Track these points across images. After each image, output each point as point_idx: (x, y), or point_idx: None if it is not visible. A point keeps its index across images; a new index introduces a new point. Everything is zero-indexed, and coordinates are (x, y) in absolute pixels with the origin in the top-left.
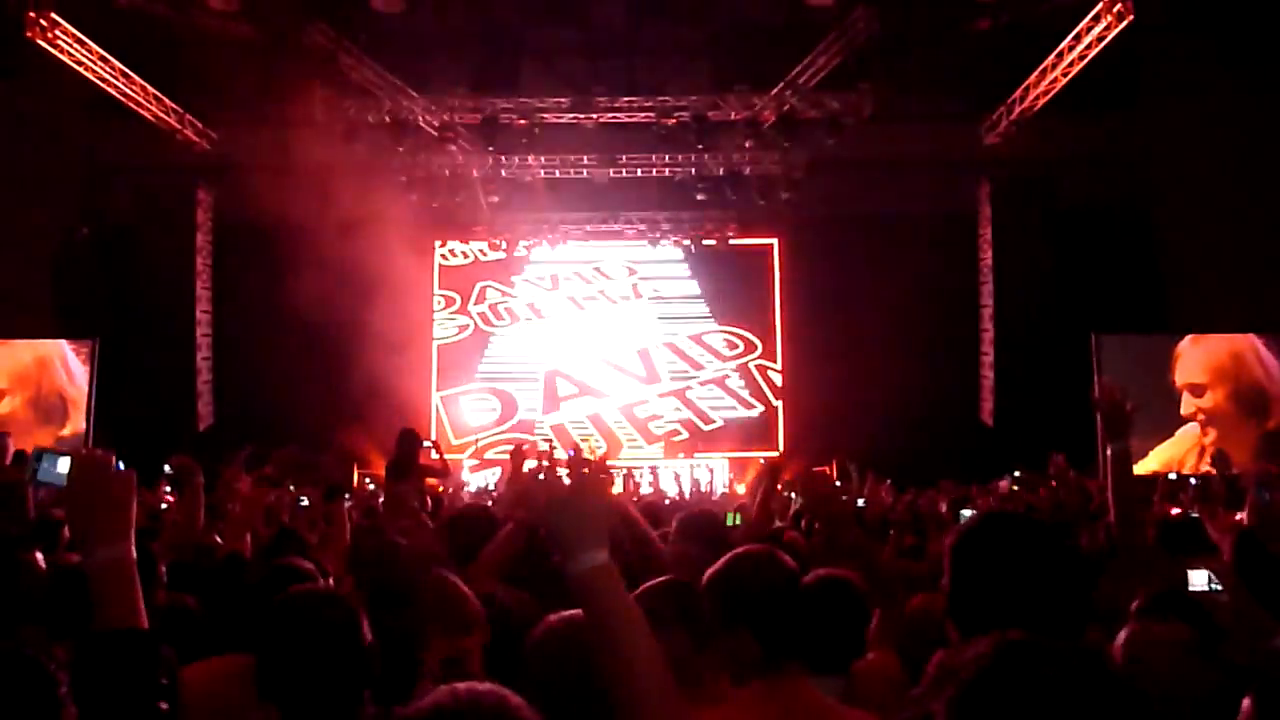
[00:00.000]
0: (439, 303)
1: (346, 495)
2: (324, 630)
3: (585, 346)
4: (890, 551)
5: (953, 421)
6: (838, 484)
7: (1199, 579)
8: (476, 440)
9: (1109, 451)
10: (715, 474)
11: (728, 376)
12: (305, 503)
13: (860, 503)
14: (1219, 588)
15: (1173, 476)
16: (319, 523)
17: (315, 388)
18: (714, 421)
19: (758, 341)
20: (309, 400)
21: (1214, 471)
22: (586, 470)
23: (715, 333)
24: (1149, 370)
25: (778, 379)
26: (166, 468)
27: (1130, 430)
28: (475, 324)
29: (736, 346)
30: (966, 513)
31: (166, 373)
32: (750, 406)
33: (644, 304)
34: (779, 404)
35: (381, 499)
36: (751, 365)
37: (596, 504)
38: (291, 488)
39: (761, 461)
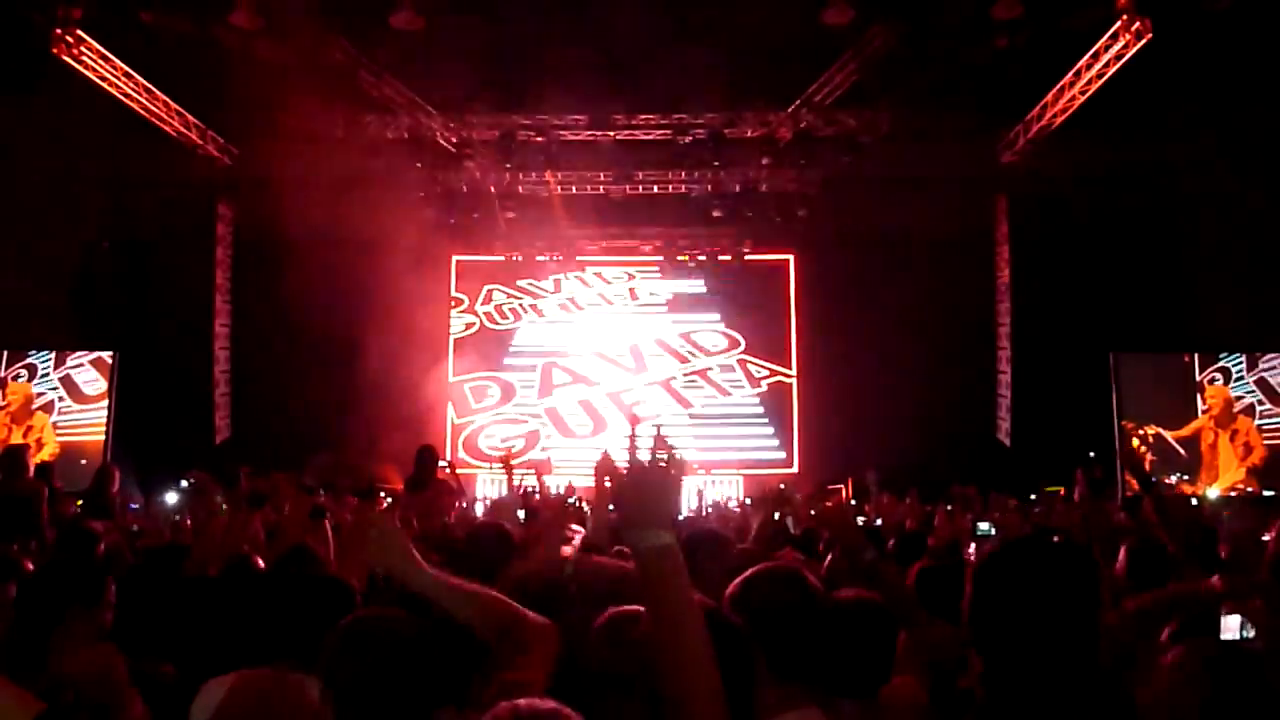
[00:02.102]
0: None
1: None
2: (399, 652)
3: (581, 342)
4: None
5: (969, 440)
6: (853, 502)
7: (1231, 623)
8: (475, 420)
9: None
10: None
11: (710, 369)
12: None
13: (878, 521)
14: (1251, 634)
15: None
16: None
17: (332, 401)
18: (692, 405)
19: (741, 339)
20: (326, 413)
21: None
22: (666, 454)
23: (702, 331)
24: (1167, 388)
25: (757, 371)
26: (184, 482)
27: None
28: (481, 322)
29: (720, 343)
30: (983, 525)
31: (185, 385)
32: (727, 394)
33: (641, 307)
34: (755, 391)
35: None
36: (734, 360)
37: (669, 485)
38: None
39: (783, 486)
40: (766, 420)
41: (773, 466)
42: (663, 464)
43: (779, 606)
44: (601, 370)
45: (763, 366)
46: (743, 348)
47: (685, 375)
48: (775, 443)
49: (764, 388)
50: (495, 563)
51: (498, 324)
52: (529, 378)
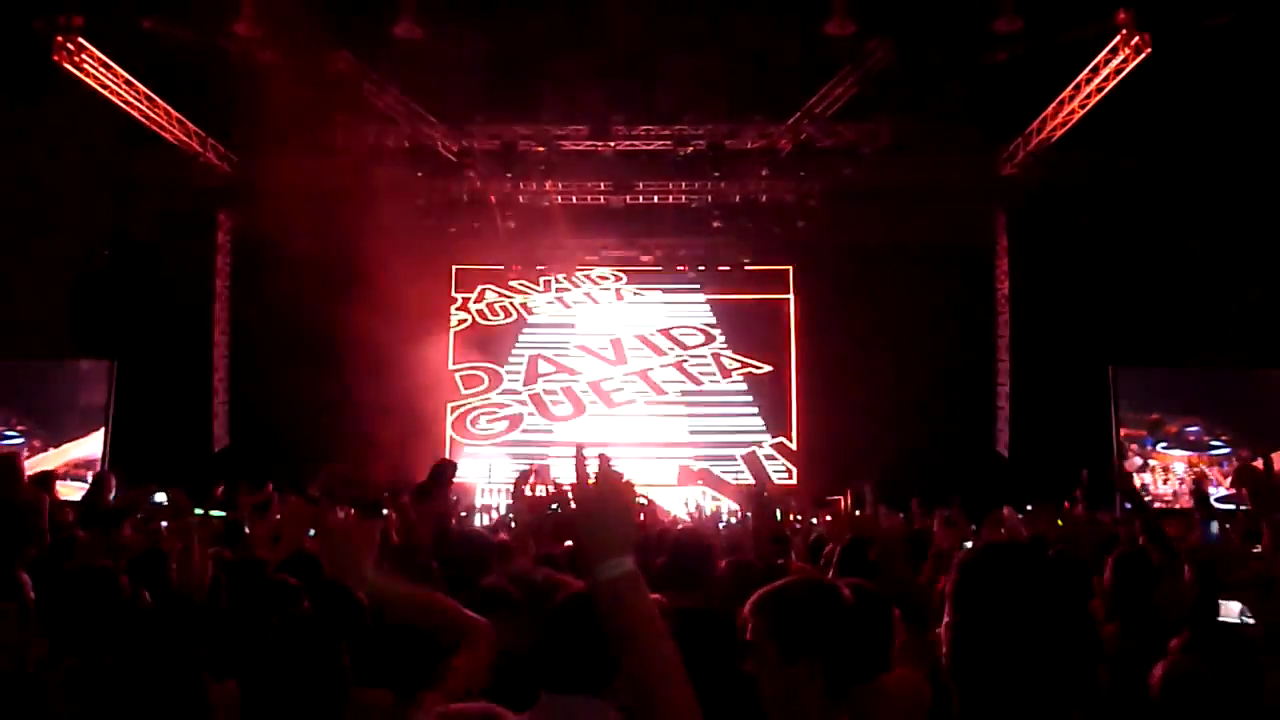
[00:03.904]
0: None
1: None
2: (302, 655)
3: (567, 336)
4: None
5: (968, 452)
6: (856, 513)
7: (1231, 609)
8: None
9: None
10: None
11: (685, 361)
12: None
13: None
14: (1250, 620)
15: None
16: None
17: (331, 409)
18: (665, 393)
19: (716, 334)
20: (324, 422)
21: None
22: (612, 477)
23: (680, 327)
24: (1165, 402)
25: (730, 364)
26: (159, 496)
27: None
28: (473, 318)
29: (696, 337)
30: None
31: (184, 393)
32: (698, 382)
33: (629, 306)
34: (727, 382)
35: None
36: (708, 352)
37: (623, 509)
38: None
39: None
40: (764, 426)
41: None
42: (612, 487)
43: (835, 617)
44: (583, 361)
45: (734, 359)
46: (718, 342)
47: (662, 366)
48: (773, 451)
49: (735, 377)
50: (475, 566)
51: (489, 320)
52: (516, 367)
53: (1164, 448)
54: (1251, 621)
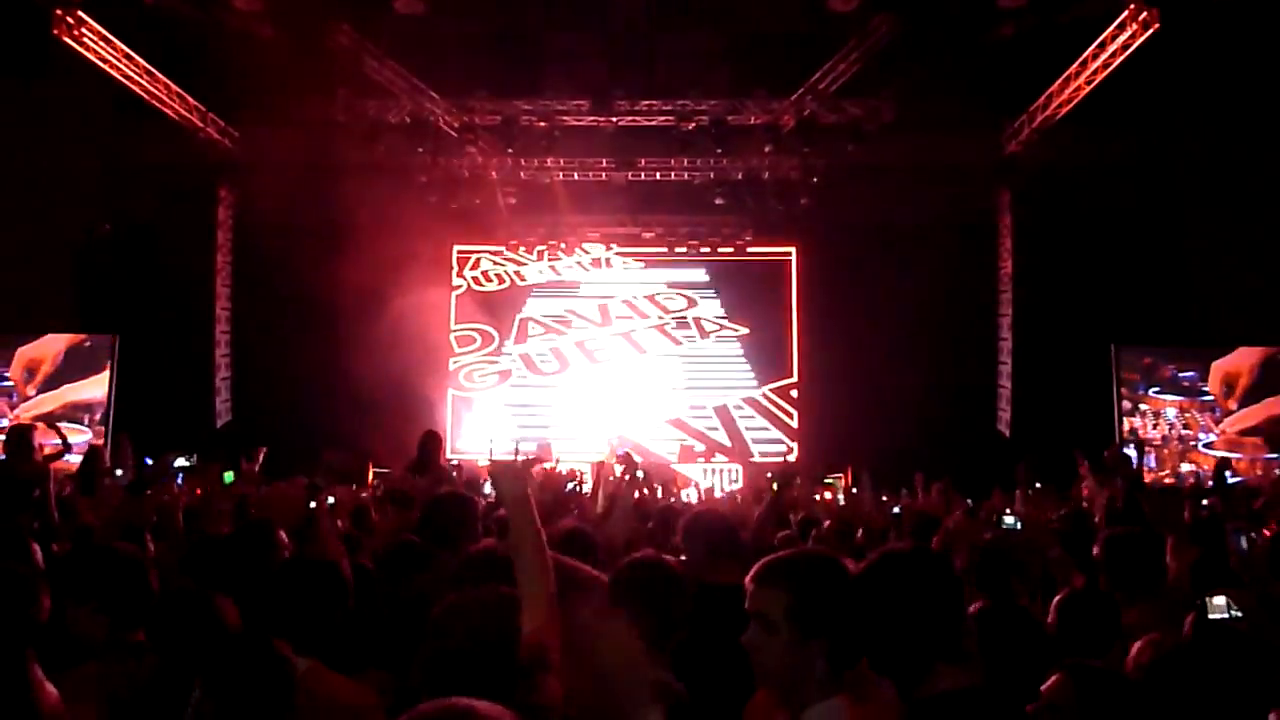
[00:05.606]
0: None
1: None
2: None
3: (557, 302)
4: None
5: (969, 431)
6: (853, 491)
7: (1218, 603)
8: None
9: None
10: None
11: (667, 325)
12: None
13: (896, 510)
14: (1239, 614)
15: None
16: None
17: (333, 385)
18: (645, 351)
19: (697, 298)
20: (327, 398)
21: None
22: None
23: (664, 292)
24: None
25: (709, 326)
26: (180, 460)
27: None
28: (468, 285)
29: (679, 302)
30: (1009, 518)
31: (186, 369)
32: (678, 343)
33: (616, 274)
34: (704, 342)
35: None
36: (689, 316)
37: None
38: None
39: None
40: (761, 391)
41: (774, 454)
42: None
43: (844, 598)
44: (571, 324)
45: (714, 322)
46: (699, 306)
47: (645, 329)
48: (776, 432)
49: (712, 339)
50: (457, 527)
51: (483, 286)
52: (508, 329)
53: (1156, 392)
54: (1239, 616)
